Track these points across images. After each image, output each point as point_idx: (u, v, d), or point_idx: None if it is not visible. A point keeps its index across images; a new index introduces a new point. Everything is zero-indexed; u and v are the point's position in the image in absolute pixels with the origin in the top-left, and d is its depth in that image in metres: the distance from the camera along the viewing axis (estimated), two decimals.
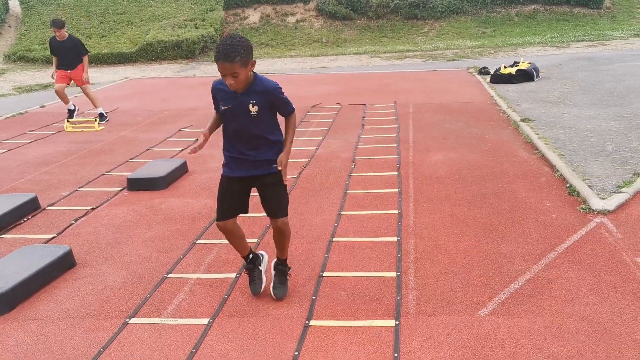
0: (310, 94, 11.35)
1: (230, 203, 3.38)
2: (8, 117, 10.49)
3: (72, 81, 9.66)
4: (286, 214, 3.39)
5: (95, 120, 9.49)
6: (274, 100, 3.26)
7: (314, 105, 10.12)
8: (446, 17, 22.11)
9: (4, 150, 7.97)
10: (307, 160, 6.64)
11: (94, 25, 22.26)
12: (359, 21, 22.44)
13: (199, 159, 6.93)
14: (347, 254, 4.09)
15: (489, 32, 20.86)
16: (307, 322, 3.27)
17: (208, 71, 16.75)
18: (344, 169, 6.22)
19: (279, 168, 3.28)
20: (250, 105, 3.20)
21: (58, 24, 9.36)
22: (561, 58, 14.07)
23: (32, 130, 9.22)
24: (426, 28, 21.79)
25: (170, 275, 3.95)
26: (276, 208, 3.37)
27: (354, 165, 6.28)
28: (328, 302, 3.48)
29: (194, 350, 3.07)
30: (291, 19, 22.97)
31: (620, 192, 4.74)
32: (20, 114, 10.80)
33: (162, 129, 8.92)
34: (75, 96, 12.21)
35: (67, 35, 9.44)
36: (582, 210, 4.55)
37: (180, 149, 7.60)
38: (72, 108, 9.82)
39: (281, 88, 3.28)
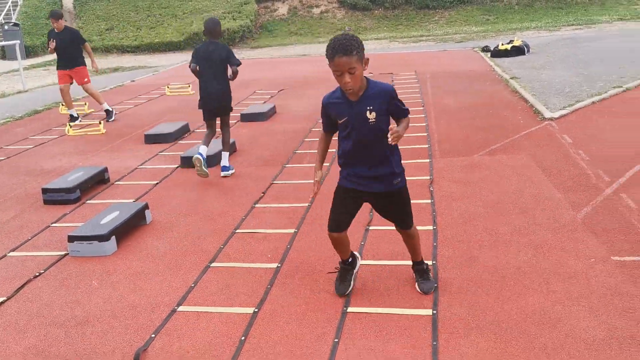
0: None
1: (347, 216, 3.32)
2: (112, 88, 13.47)
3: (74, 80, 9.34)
4: (413, 222, 3.39)
5: (100, 123, 8.94)
6: (391, 103, 3.13)
7: None
8: (455, 7, 24.94)
9: (132, 106, 10.94)
10: None
11: (142, 18, 25.25)
12: (377, 11, 25.31)
13: (283, 106, 9.87)
14: None
15: (492, 19, 23.65)
16: None
17: (249, 55, 19.68)
18: None
19: (392, 134, 2.94)
20: (368, 112, 3.05)
21: (54, 14, 9.04)
22: (550, 39, 16.86)
23: (141, 95, 12.18)
24: (437, 17, 24.63)
25: (297, 151, 6.89)
26: (404, 220, 3.38)
27: None
28: None
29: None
30: (316, 11, 25.86)
31: (563, 109, 7.64)
32: (120, 86, 13.78)
33: (240, 91, 11.81)
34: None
35: (64, 26, 9.02)
36: (539, 119, 7.46)
37: (263, 101, 10.51)
38: (75, 115, 9.47)
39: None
